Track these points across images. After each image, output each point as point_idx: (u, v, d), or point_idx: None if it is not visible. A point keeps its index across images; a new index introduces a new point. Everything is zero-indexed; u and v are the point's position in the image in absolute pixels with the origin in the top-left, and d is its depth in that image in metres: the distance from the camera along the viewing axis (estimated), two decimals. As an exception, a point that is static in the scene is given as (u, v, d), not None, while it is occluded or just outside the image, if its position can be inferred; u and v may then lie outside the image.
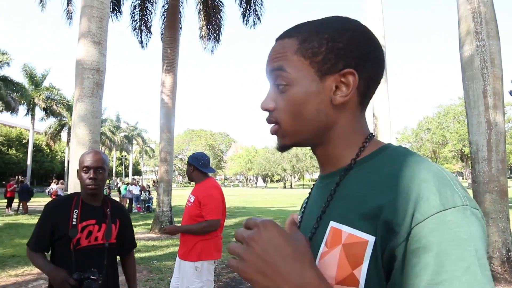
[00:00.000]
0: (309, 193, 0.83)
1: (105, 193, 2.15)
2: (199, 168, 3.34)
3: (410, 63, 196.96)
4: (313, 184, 0.83)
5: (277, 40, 0.73)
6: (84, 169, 1.96)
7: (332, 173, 0.71)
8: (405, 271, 0.51)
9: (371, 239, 0.56)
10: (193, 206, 3.22)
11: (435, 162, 0.60)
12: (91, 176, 1.95)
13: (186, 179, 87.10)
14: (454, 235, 0.50)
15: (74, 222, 1.92)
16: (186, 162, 3.40)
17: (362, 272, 0.56)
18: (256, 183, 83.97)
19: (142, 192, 19.27)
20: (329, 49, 0.66)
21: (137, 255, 5.91)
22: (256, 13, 13.47)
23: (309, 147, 0.75)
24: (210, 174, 3.45)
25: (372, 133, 0.72)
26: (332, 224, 0.64)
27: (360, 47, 0.66)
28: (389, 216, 0.54)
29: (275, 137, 0.73)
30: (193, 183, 3.43)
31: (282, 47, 0.69)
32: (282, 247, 0.53)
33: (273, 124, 0.71)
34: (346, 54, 0.66)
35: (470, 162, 5.75)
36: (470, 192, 5.40)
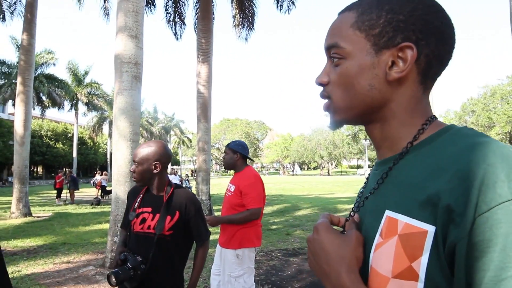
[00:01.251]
0: (365, 182, 0.78)
1: None
2: (247, 155, 3.35)
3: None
4: (369, 173, 0.78)
5: (338, 14, 0.70)
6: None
7: (388, 158, 0.66)
8: (467, 266, 0.47)
9: (430, 228, 0.51)
10: (233, 196, 3.22)
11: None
12: (132, 168, 2.06)
13: (224, 168, 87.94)
14: None
15: (135, 206, 2.09)
16: (225, 150, 3.36)
17: (421, 265, 0.51)
18: (293, 171, 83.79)
19: (182, 181, 19.75)
20: (387, 21, 0.61)
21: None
22: (290, -3, 13.25)
23: (360, 131, 0.71)
24: (248, 162, 3.45)
25: (434, 115, 0.66)
26: (388, 213, 0.60)
27: (423, 20, 0.60)
28: (449, 204, 0.49)
29: (321, 121, 0.70)
30: (231, 171, 3.42)
31: (339, 21, 0.68)
32: (326, 251, 0.62)
33: (326, 100, 0.69)
34: (406, 27, 0.61)
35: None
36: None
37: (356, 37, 0.64)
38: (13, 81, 26.58)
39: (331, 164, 78.24)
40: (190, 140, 67.33)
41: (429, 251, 0.51)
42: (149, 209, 2.04)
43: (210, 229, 2.89)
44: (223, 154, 3.38)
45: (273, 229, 9.14)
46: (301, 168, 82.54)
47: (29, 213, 11.83)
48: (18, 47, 19.72)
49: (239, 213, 3.14)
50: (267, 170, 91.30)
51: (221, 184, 34.51)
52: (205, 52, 11.61)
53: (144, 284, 1.92)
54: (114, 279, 1.79)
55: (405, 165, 0.62)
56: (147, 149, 2.03)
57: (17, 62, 13.54)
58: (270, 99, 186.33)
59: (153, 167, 2.03)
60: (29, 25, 12.39)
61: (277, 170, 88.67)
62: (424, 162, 0.58)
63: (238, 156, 3.31)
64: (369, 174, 0.78)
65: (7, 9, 14.42)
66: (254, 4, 13.81)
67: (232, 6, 13.90)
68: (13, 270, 5.54)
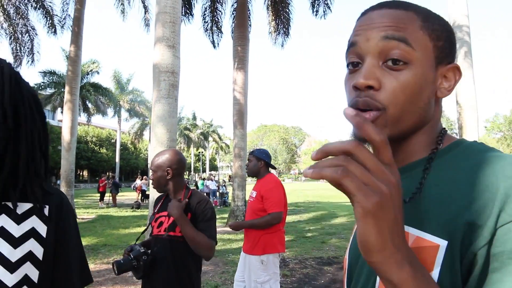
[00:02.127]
0: None
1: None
2: (270, 163, 3.45)
3: (501, 41, 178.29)
4: None
5: (380, 7, 0.61)
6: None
7: (401, 169, 0.63)
8: (486, 276, 0.46)
9: (443, 243, 0.51)
10: (255, 201, 3.30)
11: None
12: (151, 176, 2.21)
13: (247, 175, 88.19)
14: None
15: (155, 211, 2.23)
16: (250, 157, 3.46)
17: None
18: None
19: (220, 186, 20.05)
20: (447, 37, 0.61)
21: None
22: (326, 2, 13.18)
23: None
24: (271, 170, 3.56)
25: (445, 128, 0.66)
26: None
27: (455, 49, 0.64)
28: (470, 218, 0.49)
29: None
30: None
31: (399, 17, 0.58)
32: (402, 220, 0.45)
33: (371, 110, 0.57)
34: (453, 49, 0.63)
35: None
36: None
37: (426, 43, 0.58)
38: (62, 90, 28.13)
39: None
40: (228, 146, 68.11)
41: (440, 266, 0.51)
42: (165, 213, 2.13)
43: (234, 236, 3.00)
44: (247, 162, 3.49)
45: (308, 236, 9.05)
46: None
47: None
48: (67, 58, 21.03)
49: (261, 218, 3.20)
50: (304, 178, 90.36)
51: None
52: (241, 59, 11.76)
53: (157, 283, 2.01)
54: (116, 269, 1.93)
55: (415, 177, 0.61)
56: (160, 157, 2.17)
57: (66, 72, 14.35)
58: (307, 105, 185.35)
59: (166, 173, 2.14)
60: (76, 37, 13.12)
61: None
62: (438, 175, 0.58)
63: (262, 163, 3.40)
64: None
65: (57, 23, 15.36)
66: (290, 11, 13.85)
67: (268, 13, 14.02)
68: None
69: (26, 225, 0.88)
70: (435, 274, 0.51)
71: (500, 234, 0.46)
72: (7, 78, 0.86)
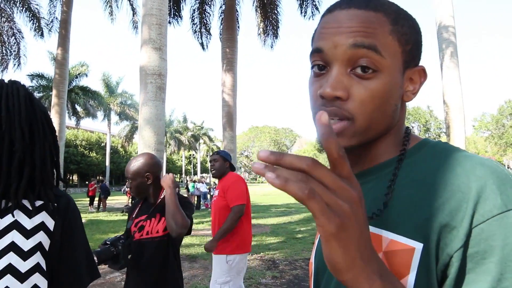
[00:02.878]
0: None
1: None
2: (232, 164, 3.55)
3: (487, 42, 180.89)
4: None
5: (349, 6, 0.57)
6: None
7: (368, 170, 0.63)
8: (462, 277, 0.46)
9: (418, 246, 0.50)
10: (219, 199, 3.33)
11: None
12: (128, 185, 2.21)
13: (253, 176, 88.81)
14: None
15: (133, 216, 2.20)
16: (216, 158, 3.48)
17: (408, 283, 0.50)
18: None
19: (211, 189, 19.96)
20: (415, 39, 0.60)
21: (201, 250, 6.11)
22: (314, 3, 13.25)
23: None
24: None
25: (408, 127, 0.65)
26: (369, 228, 0.57)
27: (421, 50, 0.63)
28: (444, 219, 0.48)
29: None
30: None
31: (368, 20, 0.55)
32: (368, 233, 0.43)
33: (339, 120, 0.56)
34: (420, 51, 0.62)
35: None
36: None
37: (395, 49, 0.56)
38: (50, 93, 27.86)
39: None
40: (218, 148, 68.03)
41: (416, 269, 0.50)
42: (144, 217, 2.12)
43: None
44: (212, 162, 3.48)
45: (298, 237, 9.05)
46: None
47: (63, 220, 12.28)
48: (54, 60, 20.75)
49: (226, 221, 3.16)
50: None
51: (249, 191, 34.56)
52: (229, 61, 11.75)
53: (141, 282, 1.99)
54: (96, 258, 1.86)
55: (384, 179, 0.60)
56: (136, 164, 2.12)
57: (53, 75, 14.21)
58: (298, 105, 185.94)
59: (146, 179, 2.11)
60: (64, 40, 13.01)
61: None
62: (407, 177, 0.57)
63: (227, 164, 3.46)
64: None
65: (44, 26, 15.21)
66: (278, 12, 13.90)
67: (256, 14, 14.04)
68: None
69: (36, 219, 1.00)
70: (411, 277, 0.50)
71: (474, 234, 0.46)
72: (22, 100, 1.00)
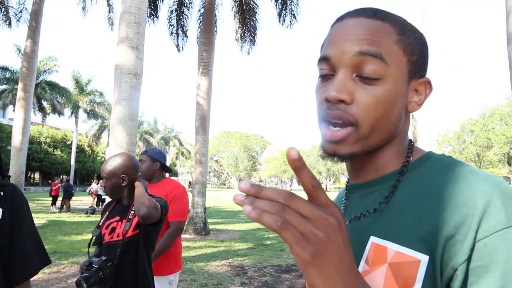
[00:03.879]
0: (345, 201, 0.72)
1: None
2: (165, 165, 3.00)
3: (454, 63, 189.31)
4: (345, 194, 0.73)
5: (357, 15, 0.60)
6: None
7: (373, 181, 0.64)
8: None
9: (424, 258, 0.51)
10: None
11: (479, 167, 0.54)
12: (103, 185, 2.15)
13: (221, 180, 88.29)
14: None
15: (102, 220, 2.12)
16: (142, 157, 2.93)
17: None
18: (291, 186, 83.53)
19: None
20: (421, 51, 0.61)
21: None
22: (293, 12, 13.44)
23: None
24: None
25: (411, 139, 0.67)
26: (373, 239, 0.58)
27: (427, 62, 0.64)
28: (450, 232, 0.49)
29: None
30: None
31: (375, 29, 0.57)
32: (351, 257, 0.44)
33: (342, 127, 0.57)
34: (426, 63, 0.63)
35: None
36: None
37: (400, 58, 0.58)
38: (15, 86, 26.71)
39: (330, 180, 78.05)
40: (189, 152, 67.29)
41: (422, 281, 0.50)
42: (117, 218, 2.07)
43: (204, 241, 2.82)
44: (142, 161, 2.92)
45: (267, 244, 9.07)
46: (299, 184, 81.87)
47: (22, 220, 11.73)
48: (21, 53, 19.83)
49: (164, 237, 2.72)
50: (266, 184, 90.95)
51: (218, 197, 34.36)
52: (206, 65, 11.69)
53: (114, 286, 1.92)
54: (85, 284, 1.75)
55: (387, 191, 0.61)
56: (113, 163, 2.06)
57: (20, 68, 13.63)
58: (270, 113, 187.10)
59: (121, 180, 2.05)
60: (33, 32, 12.52)
61: (276, 185, 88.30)
62: (413, 189, 0.58)
63: (157, 165, 2.92)
64: (345, 195, 0.73)
65: (13, 15, 14.60)
66: (257, 19, 13.98)
67: (234, 20, 14.07)
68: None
69: None
70: None
71: (477, 249, 0.47)
72: None
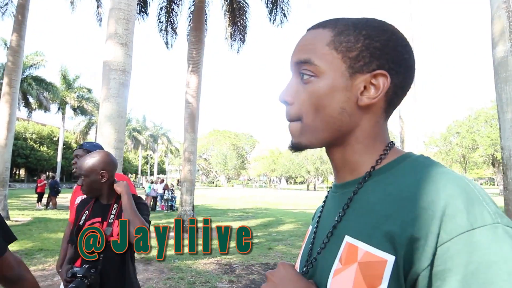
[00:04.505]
0: (324, 202, 0.77)
1: None
2: None
3: (441, 65, 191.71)
4: (328, 192, 0.78)
5: (308, 30, 0.69)
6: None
7: (349, 182, 0.66)
8: None
9: (390, 258, 0.52)
10: None
11: (464, 169, 0.56)
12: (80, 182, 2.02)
13: (211, 179, 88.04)
14: (482, 257, 0.46)
15: (81, 223, 2.01)
16: (78, 153, 2.65)
17: None
18: (280, 184, 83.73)
19: (166, 191, 19.52)
20: (365, 46, 0.62)
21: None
22: (283, 12, 13.45)
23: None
24: None
25: (393, 141, 0.67)
26: (348, 239, 0.60)
27: (396, 51, 0.63)
28: (412, 235, 0.50)
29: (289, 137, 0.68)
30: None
31: (313, 37, 0.66)
32: (296, 281, 0.62)
33: (292, 121, 0.66)
34: (381, 55, 0.62)
35: (502, 168, 5.53)
36: (501, 199, 5.21)
37: (332, 57, 0.63)
38: (0, 81, 26.24)
39: (318, 180, 78.45)
40: (177, 150, 66.94)
41: (388, 281, 0.51)
42: (99, 219, 2.00)
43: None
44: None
45: (255, 242, 9.08)
46: (287, 182, 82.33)
47: (7, 217, 11.53)
48: (6, 47, 19.38)
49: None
50: (255, 182, 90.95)
51: (206, 195, 34.27)
52: (195, 62, 11.64)
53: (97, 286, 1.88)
54: None
55: (365, 191, 0.62)
56: (91, 160, 1.99)
57: (6, 63, 13.38)
58: (259, 112, 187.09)
59: (100, 176, 1.99)
60: (19, 26, 12.30)
61: (264, 183, 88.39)
62: (385, 189, 0.58)
63: None
64: (327, 193, 0.77)
65: (-2, 9, 14.31)
66: (247, 18, 13.96)
67: (225, 18, 14.04)
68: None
69: None
70: None
71: (440, 253, 0.48)
72: None
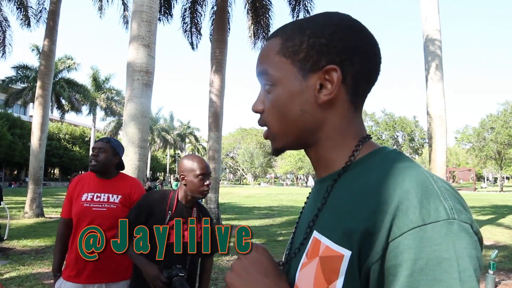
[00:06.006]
0: (307, 198, 0.78)
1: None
2: (122, 161, 2.59)
3: (472, 58, 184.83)
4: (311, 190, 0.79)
5: (266, 40, 0.71)
6: (200, 176, 2.05)
7: (324, 178, 0.67)
8: None
9: (346, 253, 0.52)
10: (121, 208, 2.38)
11: (499, 166, 0.55)
12: (208, 183, 2.08)
13: (237, 177, 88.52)
14: (433, 253, 0.45)
15: (168, 218, 2.04)
16: (103, 146, 2.46)
17: None
18: (306, 182, 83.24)
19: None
20: (310, 45, 0.62)
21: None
22: (306, 8, 13.36)
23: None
24: None
25: (368, 135, 0.67)
26: (315, 234, 0.61)
27: (345, 42, 0.61)
28: (367, 230, 0.50)
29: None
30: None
31: (267, 48, 0.68)
32: (267, 265, 0.64)
33: (266, 128, 0.69)
34: (328, 50, 0.61)
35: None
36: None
37: (283, 63, 0.64)
38: (34, 84, 27.39)
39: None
40: (204, 149, 67.65)
41: (344, 276, 0.52)
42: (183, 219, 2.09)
43: None
44: (94, 152, 2.46)
45: (279, 240, 9.10)
46: (313, 179, 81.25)
47: (41, 214, 12.09)
48: (39, 53, 20.26)
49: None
50: (283, 180, 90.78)
51: (232, 193, 34.52)
52: (219, 62, 11.76)
53: None
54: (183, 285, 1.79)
55: (337, 186, 0.62)
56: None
57: (39, 67, 13.97)
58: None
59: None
60: (51, 31, 12.82)
61: (291, 181, 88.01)
62: (352, 185, 0.59)
63: (117, 159, 2.52)
64: (310, 191, 0.78)
65: (32, 16, 14.95)
66: (270, 16, 13.96)
67: (247, 17, 14.09)
68: (19, 268, 5.68)
69: None
70: (339, 283, 0.52)
71: (391, 248, 0.47)
72: None
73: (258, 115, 0.69)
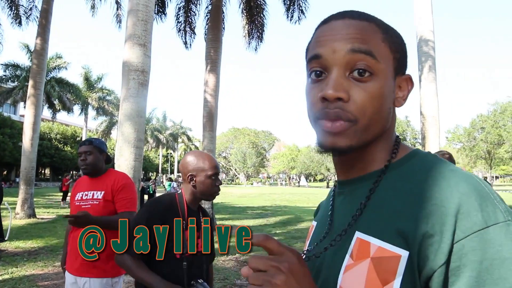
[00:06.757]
0: (331, 200, 0.74)
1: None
2: (109, 156, 2.73)
3: (463, 59, 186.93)
4: (333, 191, 0.76)
5: (343, 17, 0.62)
6: (213, 176, 1.87)
7: (359, 178, 0.66)
8: None
9: (404, 253, 0.52)
10: (103, 204, 2.46)
11: (489, 165, 0.57)
12: (219, 183, 1.91)
13: (230, 177, 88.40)
14: (496, 254, 0.47)
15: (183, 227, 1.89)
16: (88, 149, 2.54)
17: None
18: (299, 182, 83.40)
19: (176, 188, 19.74)
20: (402, 49, 0.65)
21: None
22: (301, 8, 13.36)
23: None
24: None
25: (399, 136, 0.69)
26: (358, 235, 0.60)
27: (407, 60, 0.67)
28: (427, 231, 0.51)
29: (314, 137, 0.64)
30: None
31: (363, 29, 0.60)
32: (306, 278, 0.54)
33: (342, 121, 0.58)
34: (407, 60, 0.66)
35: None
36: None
37: (388, 54, 0.61)
38: (25, 83, 27.09)
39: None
40: (197, 148, 67.52)
41: (401, 276, 0.52)
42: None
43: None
44: (85, 155, 2.55)
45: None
46: (307, 180, 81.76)
47: (33, 215, 11.94)
48: (30, 51, 19.98)
49: (117, 216, 2.40)
50: (275, 180, 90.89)
51: (225, 193, 34.43)
52: (213, 61, 11.72)
53: None
54: None
55: (378, 187, 0.62)
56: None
57: (31, 66, 13.79)
58: (278, 109, 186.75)
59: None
60: (43, 30, 12.67)
61: (284, 181, 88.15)
62: (396, 186, 0.59)
63: (104, 156, 2.63)
64: (333, 191, 0.76)
65: (23, 14, 14.76)
66: (264, 16, 13.94)
67: (242, 17, 14.05)
68: (12, 271, 5.59)
69: None
70: (396, 283, 0.52)
71: (455, 250, 0.49)
72: None
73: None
